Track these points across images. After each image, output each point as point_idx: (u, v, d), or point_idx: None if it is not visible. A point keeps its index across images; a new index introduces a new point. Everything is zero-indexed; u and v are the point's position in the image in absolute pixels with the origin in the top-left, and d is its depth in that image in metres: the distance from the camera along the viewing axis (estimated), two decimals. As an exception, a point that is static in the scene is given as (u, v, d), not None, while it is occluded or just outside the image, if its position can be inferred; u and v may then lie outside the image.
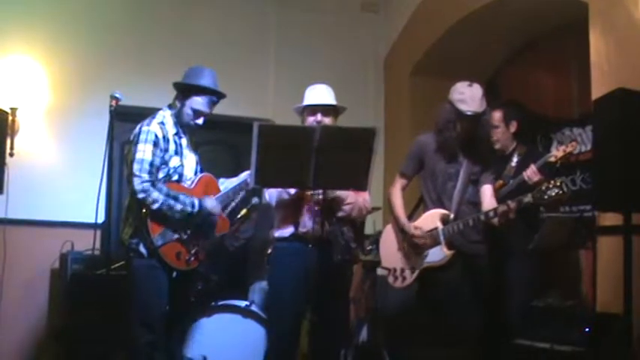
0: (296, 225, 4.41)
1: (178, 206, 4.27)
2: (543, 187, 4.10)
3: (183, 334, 4.93)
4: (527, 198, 4.17)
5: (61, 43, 6.24)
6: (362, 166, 3.85)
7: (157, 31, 6.56)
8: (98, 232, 4.37)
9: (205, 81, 4.46)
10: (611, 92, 4.13)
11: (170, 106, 4.51)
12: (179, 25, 6.70)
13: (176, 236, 4.32)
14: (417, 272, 4.63)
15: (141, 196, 4.21)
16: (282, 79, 6.92)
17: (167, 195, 4.23)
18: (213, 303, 5.31)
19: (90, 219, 4.38)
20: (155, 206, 4.19)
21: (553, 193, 4.08)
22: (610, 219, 4.55)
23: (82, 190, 5.69)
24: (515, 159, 5.20)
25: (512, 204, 4.21)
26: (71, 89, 6.24)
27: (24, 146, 6.04)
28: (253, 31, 7.07)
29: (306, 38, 7.20)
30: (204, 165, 4.72)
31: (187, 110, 4.44)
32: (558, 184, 4.07)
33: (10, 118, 5.79)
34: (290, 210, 4.43)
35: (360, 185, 3.99)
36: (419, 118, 6.60)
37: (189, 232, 4.37)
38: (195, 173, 4.60)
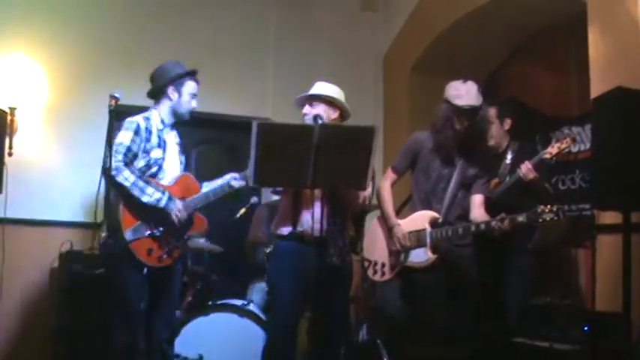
0: (294, 224, 4.41)
1: (149, 189, 4.31)
2: (539, 210, 4.05)
3: (177, 332, 4.92)
4: (522, 217, 4.14)
5: (60, 43, 6.24)
6: (361, 164, 3.83)
7: (156, 31, 6.55)
8: (97, 232, 4.37)
9: (183, 67, 4.65)
10: (610, 91, 4.13)
11: (158, 106, 4.61)
12: (178, 24, 6.69)
13: (148, 232, 4.33)
14: (396, 270, 4.66)
15: (113, 172, 4.27)
16: (281, 78, 6.91)
17: (139, 177, 4.28)
18: (210, 302, 5.31)
19: (89, 218, 4.39)
20: (126, 184, 4.23)
21: (548, 218, 4.03)
22: (609, 217, 4.55)
23: (81, 189, 5.70)
24: (509, 156, 5.22)
25: (505, 222, 4.19)
26: (70, 89, 6.23)
27: (23, 146, 6.03)
28: (252, 29, 7.07)
29: (305, 36, 7.19)
30: (203, 164, 4.73)
31: (185, 97, 4.59)
32: (555, 210, 4.04)
33: (8, 117, 5.78)
34: (289, 206, 4.43)
35: (360, 184, 3.98)
36: (418, 116, 6.60)
37: (162, 229, 4.38)
38: None
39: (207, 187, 4.67)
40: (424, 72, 7.00)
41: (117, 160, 4.29)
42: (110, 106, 4.14)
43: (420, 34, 7.00)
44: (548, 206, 4.03)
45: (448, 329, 4.40)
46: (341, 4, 7.43)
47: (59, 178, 5.94)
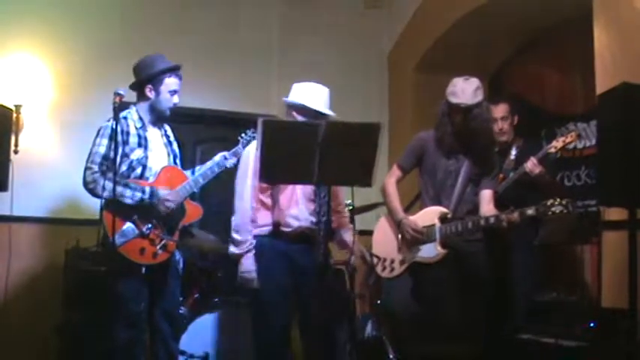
0: (279, 221, 4.42)
1: (128, 192, 4.32)
2: (548, 203, 4.06)
3: (183, 329, 4.93)
4: (531, 211, 4.15)
5: (63, 41, 6.24)
6: (366, 161, 3.83)
7: (161, 28, 6.55)
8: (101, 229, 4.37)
9: (165, 63, 4.57)
10: (615, 87, 4.12)
11: (138, 102, 4.60)
12: (183, 23, 6.70)
13: (137, 232, 4.34)
14: (406, 265, 4.66)
15: (91, 186, 4.31)
16: (286, 76, 6.89)
17: (117, 182, 4.24)
18: (216, 299, 5.31)
19: (95, 215, 4.39)
20: (105, 194, 4.20)
21: (557, 210, 4.04)
22: (615, 214, 4.55)
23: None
24: (514, 152, 5.24)
25: (515, 215, 4.19)
26: (75, 86, 6.24)
27: (28, 143, 6.04)
28: (257, 27, 7.07)
29: (309, 34, 7.20)
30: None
31: (165, 95, 4.53)
32: (564, 202, 4.04)
33: (14, 115, 5.78)
34: (271, 203, 4.45)
35: (365, 181, 3.96)
36: (423, 113, 6.57)
37: (150, 226, 4.38)
38: None
39: (198, 171, 4.68)
40: (429, 70, 7.00)
41: (93, 171, 4.33)
42: (115, 103, 4.13)
43: (425, 31, 6.99)
44: (558, 199, 4.04)
45: (456, 325, 4.40)
46: (345, 2, 7.43)
47: (65, 175, 5.93)
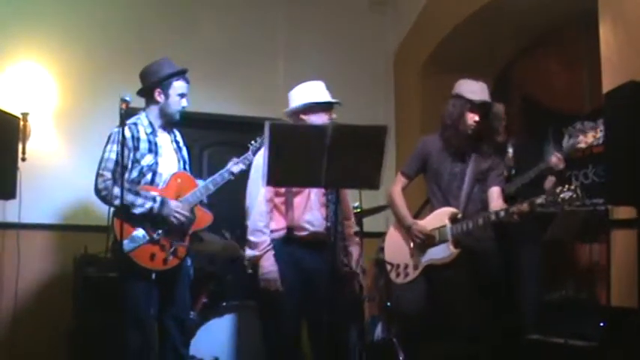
0: (290, 228, 4.41)
1: (139, 200, 4.33)
2: (557, 190, 4.05)
3: (192, 334, 4.93)
4: (541, 199, 4.13)
5: (69, 49, 6.25)
6: (374, 164, 3.81)
7: (166, 33, 6.56)
8: (111, 236, 4.38)
9: (172, 67, 4.61)
10: (621, 85, 4.12)
11: (147, 108, 4.62)
12: (188, 27, 6.71)
13: (147, 238, 4.35)
14: (420, 269, 4.65)
15: (103, 193, 4.33)
16: (292, 78, 6.86)
17: (128, 190, 4.26)
18: (224, 303, 5.31)
19: (103, 222, 4.39)
20: (117, 202, 4.19)
21: (567, 197, 4.02)
22: (624, 212, 4.53)
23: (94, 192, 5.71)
24: (510, 149, 5.25)
25: (525, 206, 4.18)
26: (81, 93, 6.25)
27: (36, 151, 6.05)
28: (262, 30, 7.07)
29: (315, 37, 7.20)
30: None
31: (174, 98, 4.56)
32: (573, 187, 4.03)
33: (21, 123, 5.79)
34: (285, 207, 4.44)
35: (372, 183, 3.95)
36: (429, 115, 6.58)
37: (160, 231, 4.39)
38: None
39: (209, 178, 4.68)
40: (435, 70, 6.99)
41: (105, 178, 4.35)
42: (121, 109, 4.14)
43: (431, 31, 6.98)
44: (566, 186, 4.03)
45: (470, 326, 4.39)
46: (350, 3, 7.43)
47: (72, 182, 5.95)
